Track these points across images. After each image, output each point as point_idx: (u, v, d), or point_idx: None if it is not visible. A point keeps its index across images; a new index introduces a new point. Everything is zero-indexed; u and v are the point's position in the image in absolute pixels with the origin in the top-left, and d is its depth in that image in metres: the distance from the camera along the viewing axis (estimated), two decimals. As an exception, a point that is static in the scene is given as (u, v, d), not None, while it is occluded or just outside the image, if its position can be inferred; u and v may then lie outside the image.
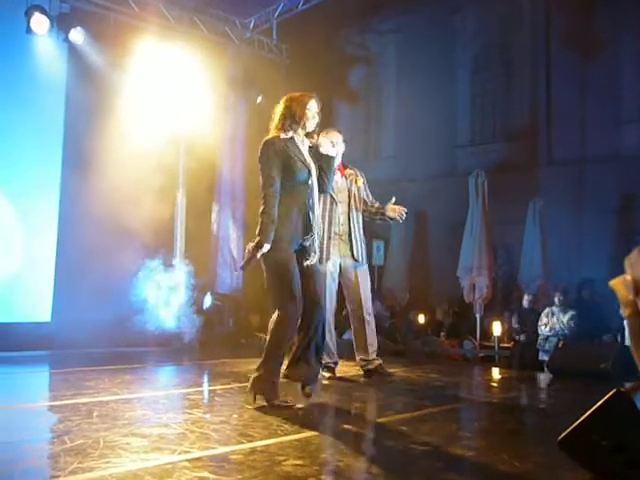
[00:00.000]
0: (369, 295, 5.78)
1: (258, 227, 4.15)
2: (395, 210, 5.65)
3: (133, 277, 9.32)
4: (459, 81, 15.32)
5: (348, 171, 5.80)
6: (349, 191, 5.73)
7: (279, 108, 4.40)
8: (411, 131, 14.94)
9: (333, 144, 5.45)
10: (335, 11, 12.15)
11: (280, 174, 4.23)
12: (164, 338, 9.88)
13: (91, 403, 4.33)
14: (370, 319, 5.73)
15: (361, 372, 5.88)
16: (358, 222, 5.75)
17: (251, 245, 4.14)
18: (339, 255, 5.66)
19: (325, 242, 5.58)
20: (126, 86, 9.84)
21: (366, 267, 5.84)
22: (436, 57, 14.84)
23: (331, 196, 5.59)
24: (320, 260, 5.48)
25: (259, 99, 11.29)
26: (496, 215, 10.95)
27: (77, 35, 9.55)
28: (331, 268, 5.64)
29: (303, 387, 4.46)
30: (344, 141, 5.66)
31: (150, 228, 9.46)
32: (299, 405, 4.19)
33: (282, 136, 4.32)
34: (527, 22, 14.38)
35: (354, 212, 5.72)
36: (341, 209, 5.68)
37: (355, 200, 5.74)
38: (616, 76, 13.07)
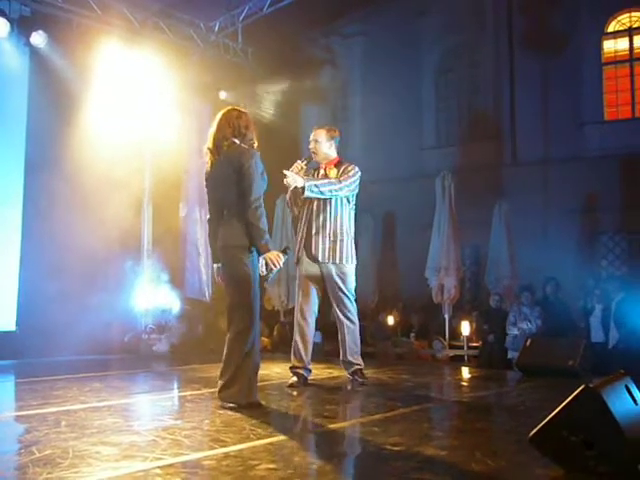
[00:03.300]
0: (345, 297, 5.49)
1: (266, 239, 4.25)
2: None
3: (100, 284, 9.21)
4: (424, 83, 15.43)
5: (330, 167, 5.60)
6: None
7: (238, 121, 4.46)
8: (377, 133, 15.00)
9: (315, 142, 5.56)
10: (300, 14, 12.15)
11: None
12: (133, 345, 9.80)
13: (59, 412, 4.26)
14: (347, 322, 5.50)
15: (332, 375, 5.90)
16: (324, 216, 5.45)
17: (276, 256, 4.25)
18: (314, 255, 5.43)
19: (299, 241, 5.51)
20: (90, 90, 9.71)
21: (344, 266, 5.47)
22: (401, 59, 14.93)
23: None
24: (295, 260, 5.51)
25: (222, 94, 11.29)
26: (463, 216, 11.03)
27: (39, 38, 9.39)
28: (308, 268, 5.48)
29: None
30: (332, 138, 5.65)
31: (116, 233, 9.36)
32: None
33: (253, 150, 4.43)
34: (490, 25, 14.54)
35: (320, 207, 5.46)
36: (316, 204, 5.47)
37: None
38: (577, 78, 13.28)
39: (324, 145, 5.61)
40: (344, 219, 5.52)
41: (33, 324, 8.57)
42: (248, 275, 4.29)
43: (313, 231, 5.46)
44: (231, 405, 4.27)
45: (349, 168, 5.59)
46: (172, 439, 3.41)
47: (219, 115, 4.52)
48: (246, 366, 4.24)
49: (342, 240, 5.47)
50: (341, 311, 5.52)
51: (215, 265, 4.59)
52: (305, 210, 5.54)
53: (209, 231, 4.60)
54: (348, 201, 5.56)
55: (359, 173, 5.59)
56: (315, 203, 5.48)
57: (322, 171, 5.64)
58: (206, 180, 4.55)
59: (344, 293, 5.51)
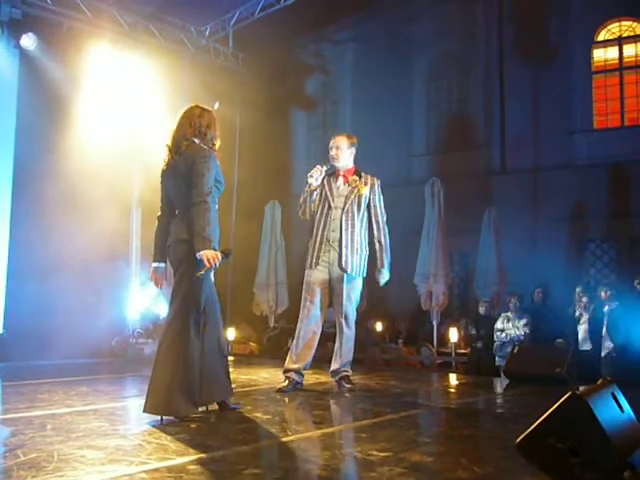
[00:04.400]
0: (351, 307, 5.56)
1: (204, 236, 4.02)
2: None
3: (88, 287, 9.17)
4: (414, 90, 15.46)
5: (352, 177, 5.61)
6: (346, 197, 5.55)
7: (200, 119, 4.35)
8: (367, 140, 14.97)
9: (336, 149, 5.57)
10: (291, 20, 12.18)
11: None
12: (121, 348, 9.75)
13: (45, 416, 4.23)
14: (347, 331, 5.56)
15: (320, 380, 5.90)
16: (352, 230, 5.52)
17: (213, 254, 4.03)
18: (328, 262, 5.50)
19: (317, 247, 5.52)
20: (80, 93, 9.69)
21: (357, 278, 5.58)
22: (392, 66, 14.96)
23: (328, 201, 5.54)
24: (310, 265, 5.51)
25: (216, 105, 11.26)
26: (452, 223, 11.06)
27: (29, 41, 9.37)
28: (318, 275, 5.51)
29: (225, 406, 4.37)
30: (352, 145, 5.68)
31: (105, 237, 9.31)
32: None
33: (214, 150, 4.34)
34: (481, 32, 14.61)
35: (349, 219, 5.52)
36: (335, 214, 5.53)
37: (353, 207, 5.54)
38: (567, 86, 13.35)
39: (345, 152, 5.63)
40: (364, 233, 5.62)
41: (21, 327, 8.52)
42: (191, 269, 4.15)
43: (331, 240, 5.50)
44: (168, 417, 4.00)
45: (377, 186, 5.72)
46: (158, 443, 3.39)
47: (181, 112, 4.42)
48: (180, 374, 4.02)
49: (360, 254, 5.56)
50: (345, 320, 5.56)
51: (155, 264, 4.43)
52: (322, 217, 5.56)
53: (157, 228, 4.45)
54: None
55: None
56: (337, 213, 5.53)
57: (341, 179, 5.62)
58: (161, 177, 4.45)
59: (351, 303, 5.57)
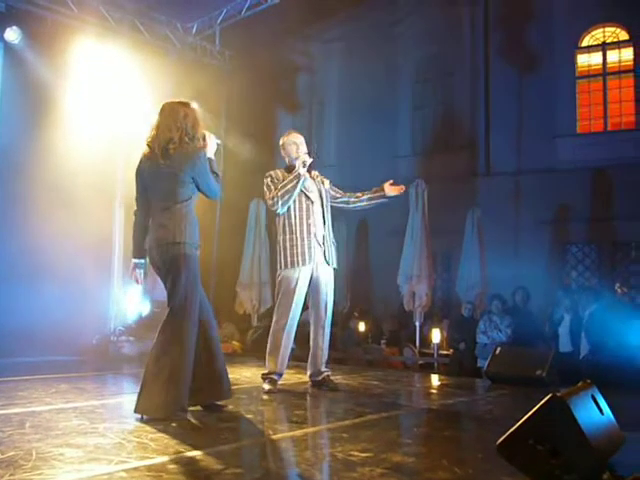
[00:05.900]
0: (332, 302, 5.59)
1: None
2: (395, 189, 5.73)
3: (69, 285, 9.08)
4: (400, 91, 15.49)
5: (314, 172, 5.64)
6: (319, 191, 5.56)
7: (185, 121, 4.31)
8: (352, 140, 15.05)
9: (297, 145, 5.56)
10: (278, 19, 12.16)
11: None
12: (102, 347, 9.68)
13: (24, 413, 4.20)
14: (328, 330, 5.55)
15: (302, 380, 5.89)
16: (329, 223, 5.57)
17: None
18: (314, 259, 5.41)
19: (305, 244, 5.38)
20: (64, 89, 9.61)
21: (333, 272, 5.60)
22: (378, 67, 14.97)
23: (306, 195, 5.46)
24: (297, 263, 5.36)
25: (194, 105, 11.23)
26: (435, 224, 11.08)
27: (13, 34, 9.27)
28: (304, 273, 5.40)
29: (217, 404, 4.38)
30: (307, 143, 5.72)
31: (87, 234, 9.24)
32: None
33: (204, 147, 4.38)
34: (467, 35, 14.66)
35: (327, 213, 5.55)
36: (315, 209, 5.49)
37: (327, 201, 5.61)
38: (552, 91, 13.42)
39: (305, 149, 5.64)
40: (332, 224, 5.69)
41: (0, 324, 8.43)
42: (195, 273, 4.19)
43: (317, 236, 5.46)
44: (156, 418, 3.97)
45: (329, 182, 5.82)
46: (138, 442, 3.37)
47: (164, 112, 4.36)
48: (174, 376, 4.02)
49: (335, 246, 5.64)
50: (326, 318, 5.54)
51: (135, 260, 4.40)
52: (303, 212, 5.45)
53: (136, 225, 4.39)
54: None
55: None
56: (317, 208, 5.51)
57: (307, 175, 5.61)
58: (139, 175, 4.37)
59: (332, 299, 5.59)
